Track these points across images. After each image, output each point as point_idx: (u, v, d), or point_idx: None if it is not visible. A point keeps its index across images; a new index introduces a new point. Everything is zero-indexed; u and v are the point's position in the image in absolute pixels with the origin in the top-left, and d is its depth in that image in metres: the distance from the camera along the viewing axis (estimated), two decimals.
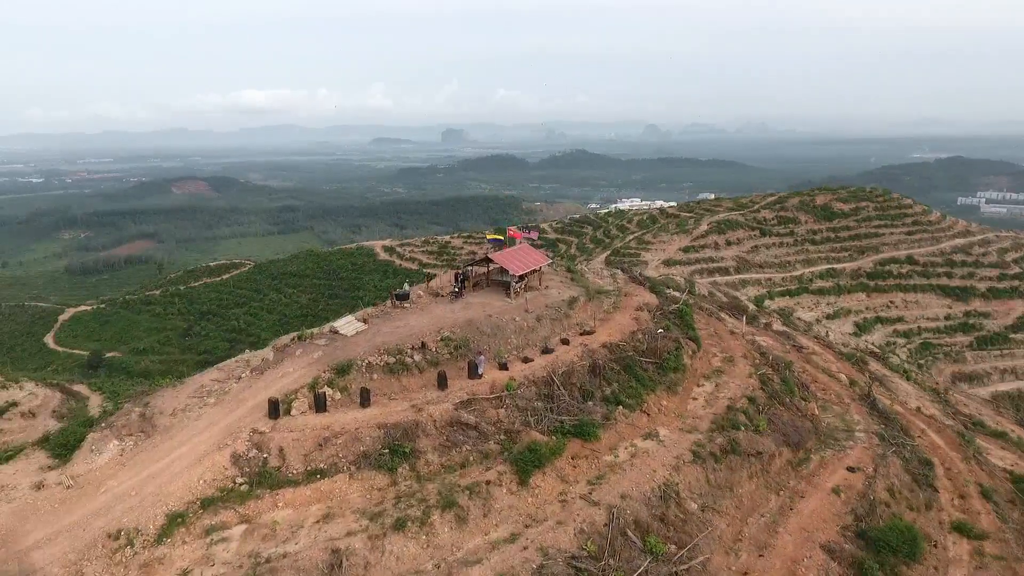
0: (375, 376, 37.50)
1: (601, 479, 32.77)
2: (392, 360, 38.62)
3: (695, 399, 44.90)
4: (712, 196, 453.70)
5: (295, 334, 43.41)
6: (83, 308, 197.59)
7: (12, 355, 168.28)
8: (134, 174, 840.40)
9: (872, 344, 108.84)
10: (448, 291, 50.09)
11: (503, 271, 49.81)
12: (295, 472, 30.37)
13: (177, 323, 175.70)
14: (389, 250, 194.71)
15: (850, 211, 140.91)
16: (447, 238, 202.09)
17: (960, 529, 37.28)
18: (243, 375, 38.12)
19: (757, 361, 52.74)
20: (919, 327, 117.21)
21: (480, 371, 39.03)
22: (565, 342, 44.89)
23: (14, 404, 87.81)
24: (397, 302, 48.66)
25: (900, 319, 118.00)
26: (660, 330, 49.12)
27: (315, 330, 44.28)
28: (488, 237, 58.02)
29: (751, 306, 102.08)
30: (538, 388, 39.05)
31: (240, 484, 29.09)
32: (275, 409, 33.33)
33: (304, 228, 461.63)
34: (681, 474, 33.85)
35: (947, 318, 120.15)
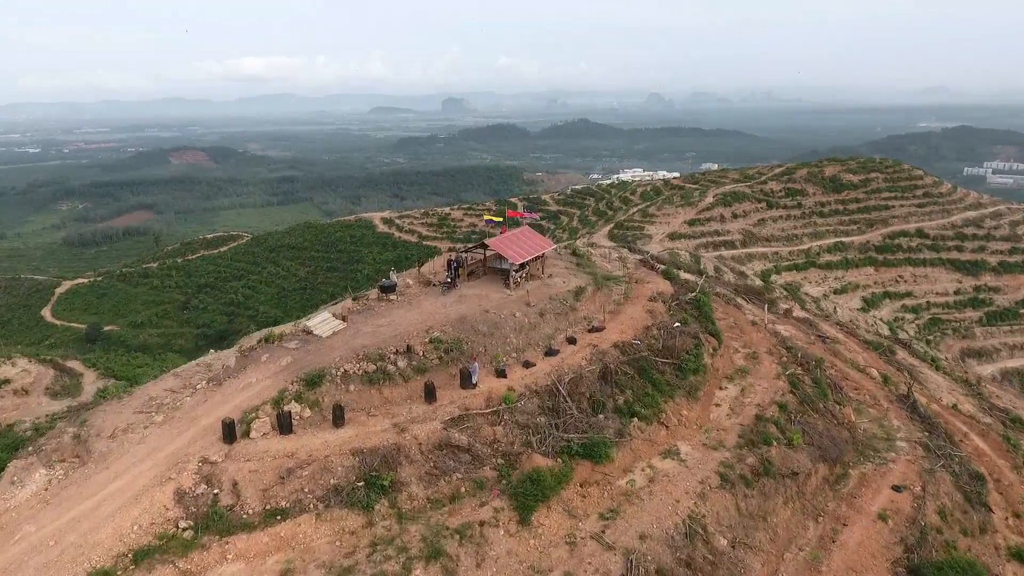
0: (352, 387, 32.62)
1: (616, 513, 28.37)
2: (372, 368, 33.63)
3: (718, 405, 40.22)
4: (716, 166, 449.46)
5: (263, 334, 38.55)
6: (80, 281, 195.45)
7: (9, 328, 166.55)
8: (132, 144, 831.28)
9: (880, 319, 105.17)
10: (440, 281, 45.31)
11: (501, 258, 44.63)
12: (251, 512, 25.35)
13: (175, 296, 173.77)
14: (388, 222, 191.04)
15: (859, 183, 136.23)
16: (447, 210, 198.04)
17: (1019, 556, 33.04)
18: (200, 385, 33.25)
19: (784, 358, 47.95)
20: (928, 302, 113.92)
21: (474, 380, 34.37)
22: (571, 341, 40.21)
23: (6, 381, 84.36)
24: (382, 294, 43.56)
25: (909, 294, 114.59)
26: (677, 324, 44.36)
27: (287, 328, 39.13)
28: (486, 218, 52.51)
29: (761, 282, 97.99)
30: (541, 399, 34.21)
31: (184, 529, 24.27)
32: (231, 432, 28.43)
33: (304, 199, 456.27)
34: (708, 503, 29.50)
35: (956, 293, 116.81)
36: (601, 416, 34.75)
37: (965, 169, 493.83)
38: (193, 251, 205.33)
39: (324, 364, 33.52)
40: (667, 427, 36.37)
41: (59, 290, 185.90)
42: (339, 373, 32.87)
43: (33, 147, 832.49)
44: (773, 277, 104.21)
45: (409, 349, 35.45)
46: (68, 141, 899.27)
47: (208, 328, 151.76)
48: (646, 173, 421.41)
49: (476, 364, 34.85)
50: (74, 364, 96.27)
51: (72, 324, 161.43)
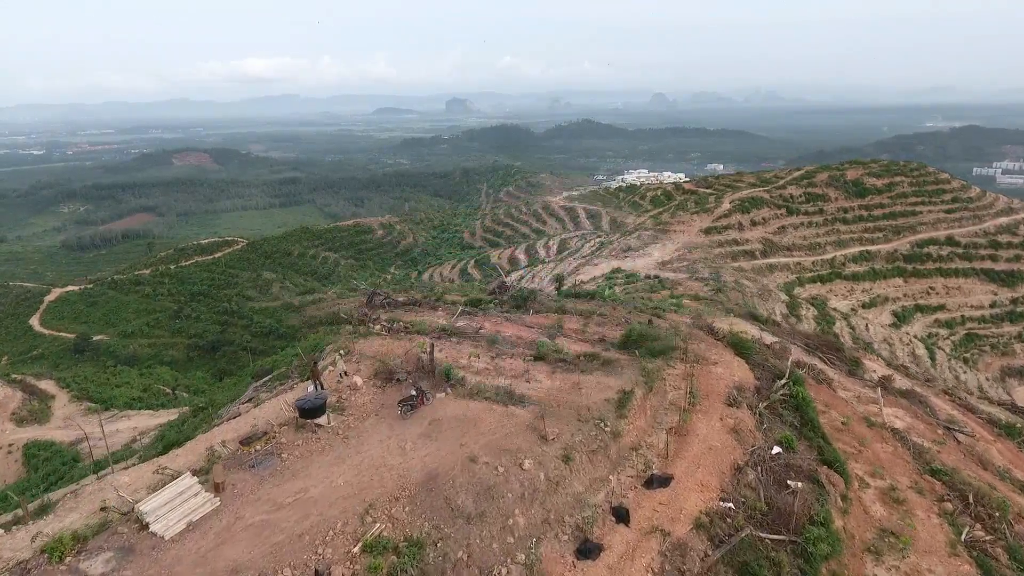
0: None
1: None
2: None
3: None
4: (721, 167, 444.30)
5: (47, 541, 21.41)
6: (70, 288, 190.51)
7: None
8: (135, 145, 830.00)
9: (914, 336, 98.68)
10: (403, 389, 30.65)
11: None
12: None
13: (167, 304, 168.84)
14: (387, 227, 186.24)
15: (883, 187, 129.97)
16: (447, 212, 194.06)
17: None
18: None
19: (944, 500, 31.55)
20: (962, 316, 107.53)
21: None
22: (620, 515, 24.22)
23: None
24: (304, 419, 27.63)
25: (941, 307, 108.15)
26: (777, 450, 29.75)
27: (104, 512, 22.90)
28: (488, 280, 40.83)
29: (786, 297, 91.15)
30: None
31: None
32: None
33: (306, 201, 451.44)
34: None
35: (993, 306, 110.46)
36: None
37: (975, 169, 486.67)
38: (187, 257, 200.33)
39: None
40: None
41: (48, 298, 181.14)
42: None
43: (37, 149, 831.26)
44: (797, 290, 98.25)
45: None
46: (72, 143, 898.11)
47: (200, 338, 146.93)
48: (651, 174, 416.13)
49: None
50: (47, 384, 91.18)
51: (61, 334, 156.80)
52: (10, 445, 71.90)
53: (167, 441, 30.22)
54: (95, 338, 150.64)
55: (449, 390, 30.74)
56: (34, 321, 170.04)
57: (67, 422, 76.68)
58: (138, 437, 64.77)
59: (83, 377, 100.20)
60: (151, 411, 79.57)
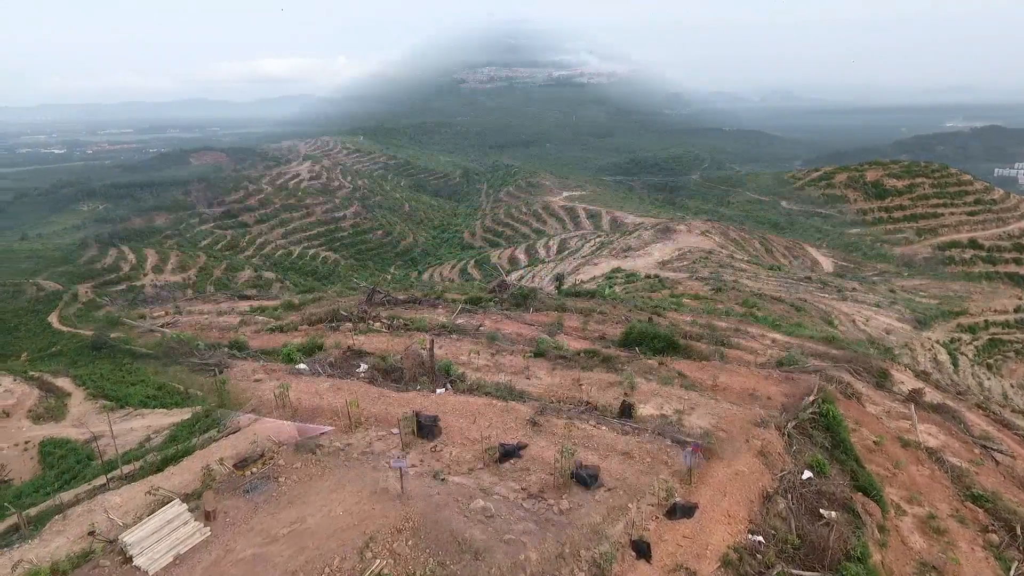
0: None
1: None
2: None
3: None
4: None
5: (26, 571, 19.76)
6: (89, 285, 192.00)
7: (15, 335, 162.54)
8: (153, 145, 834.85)
9: (936, 342, 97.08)
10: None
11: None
12: None
13: None
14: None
15: (904, 188, 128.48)
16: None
17: None
18: None
19: (989, 532, 28.84)
20: (986, 321, 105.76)
21: None
22: (640, 550, 21.52)
23: None
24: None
25: (964, 312, 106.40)
26: (808, 475, 27.38)
27: (90, 537, 21.18)
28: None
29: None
30: None
31: None
32: None
33: None
34: None
35: (1017, 310, 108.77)
36: None
37: (996, 170, 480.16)
38: None
39: None
40: None
41: (67, 295, 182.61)
42: None
43: (58, 148, 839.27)
44: None
45: None
46: (92, 142, 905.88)
47: None
48: None
49: None
50: (64, 382, 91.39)
51: (79, 331, 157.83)
52: (27, 442, 71.76)
53: (164, 456, 29.25)
54: (112, 335, 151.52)
55: (449, 386, 31.01)
56: (53, 318, 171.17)
57: (79, 421, 76.95)
58: (151, 436, 64.71)
59: (99, 375, 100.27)
60: (165, 409, 79.47)
